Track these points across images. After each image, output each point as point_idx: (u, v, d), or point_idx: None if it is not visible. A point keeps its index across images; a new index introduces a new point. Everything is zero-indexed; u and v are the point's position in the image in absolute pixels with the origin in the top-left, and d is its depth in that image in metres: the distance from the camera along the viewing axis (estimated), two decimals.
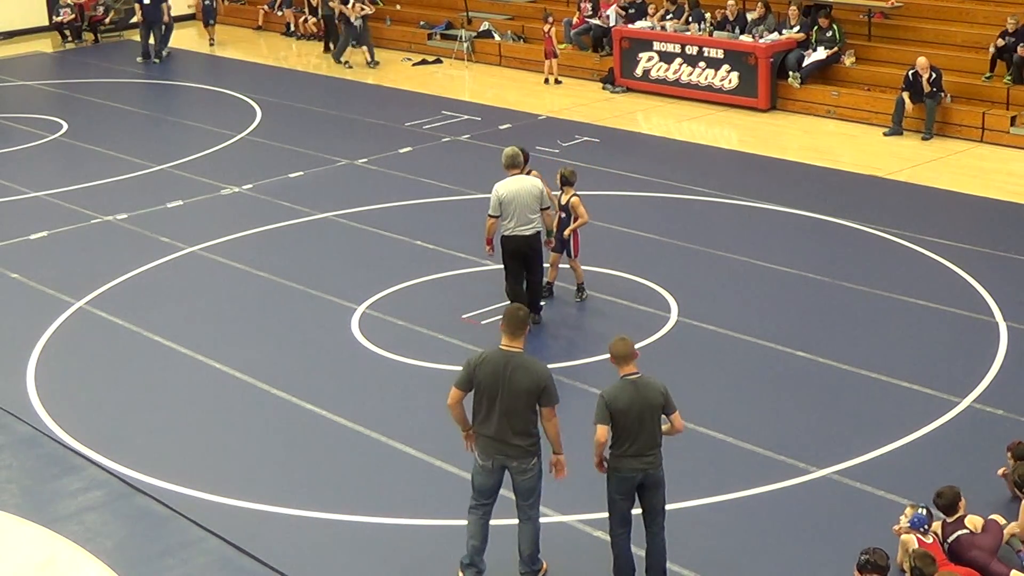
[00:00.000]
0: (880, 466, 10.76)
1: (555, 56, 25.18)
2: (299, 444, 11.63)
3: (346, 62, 27.39)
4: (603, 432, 8.86)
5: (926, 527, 9.12)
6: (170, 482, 10.89)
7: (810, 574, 9.41)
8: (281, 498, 10.60)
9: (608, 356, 9.06)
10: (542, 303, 13.97)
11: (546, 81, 25.26)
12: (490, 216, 13.40)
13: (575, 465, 11.16)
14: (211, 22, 30.57)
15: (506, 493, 9.31)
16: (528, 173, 13.73)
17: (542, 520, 9.90)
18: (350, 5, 27.14)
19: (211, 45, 30.30)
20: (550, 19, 25.55)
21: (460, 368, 9.22)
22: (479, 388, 9.04)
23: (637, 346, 13.11)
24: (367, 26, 27.45)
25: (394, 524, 10.21)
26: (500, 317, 13.64)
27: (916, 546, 8.99)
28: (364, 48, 27.46)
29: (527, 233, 13.33)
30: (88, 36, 31.67)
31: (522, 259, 13.46)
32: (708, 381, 12.45)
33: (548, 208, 13.48)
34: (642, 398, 8.82)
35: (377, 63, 27.14)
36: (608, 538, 9.21)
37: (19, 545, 10.23)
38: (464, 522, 9.37)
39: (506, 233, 13.38)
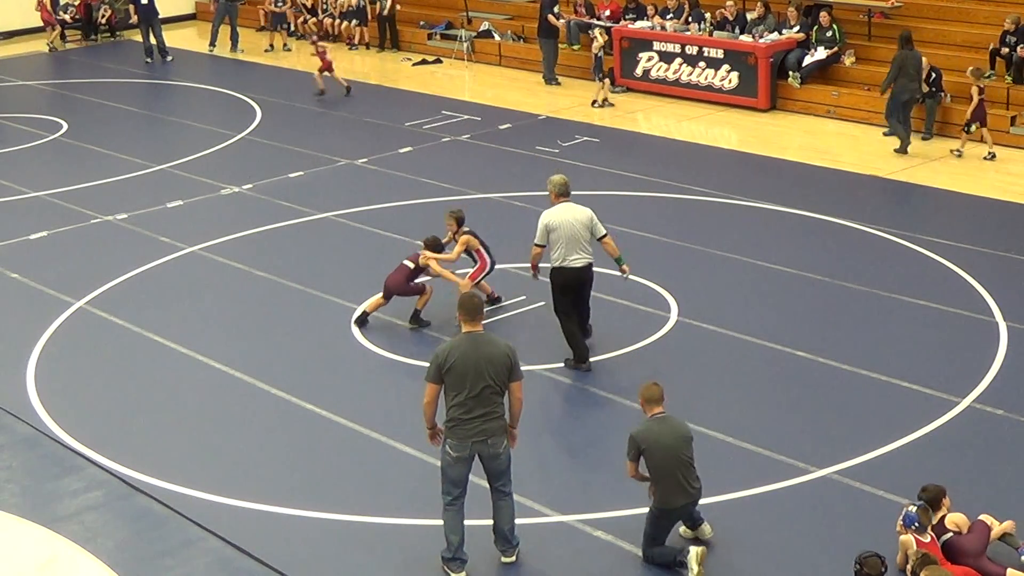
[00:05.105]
0: (880, 466, 10.76)
1: (331, 70, 24.74)
2: (299, 444, 11.62)
3: (604, 99, 23.45)
4: (632, 468, 9.50)
5: (917, 525, 9.12)
6: (170, 482, 10.89)
7: (810, 574, 9.41)
8: (281, 498, 10.59)
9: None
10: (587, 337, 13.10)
11: (322, 93, 24.64)
12: (536, 245, 12.64)
13: (575, 466, 11.21)
14: (280, 27, 29.32)
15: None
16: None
17: (541, 520, 9.93)
18: (594, 45, 24.09)
19: (279, 49, 29.14)
20: (316, 38, 26.12)
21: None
22: (456, 374, 9.19)
23: (637, 346, 13.27)
24: (604, 60, 24.07)
25: (394, 524, 10.21)
26: (501, 316, 13.95)
27: (915, 547, 9.00)
28: (605, 82, 23.64)
29: (579, 265, 12.51)
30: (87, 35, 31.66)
31: (574, 293, 12.71)
32: (708, 381, 12.44)
33: (606, 236, 12.61)
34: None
35: (603, 105, 23.36)
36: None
37: (19, 545, 10.22)
38: None
39: (555, 265, 12.57)
